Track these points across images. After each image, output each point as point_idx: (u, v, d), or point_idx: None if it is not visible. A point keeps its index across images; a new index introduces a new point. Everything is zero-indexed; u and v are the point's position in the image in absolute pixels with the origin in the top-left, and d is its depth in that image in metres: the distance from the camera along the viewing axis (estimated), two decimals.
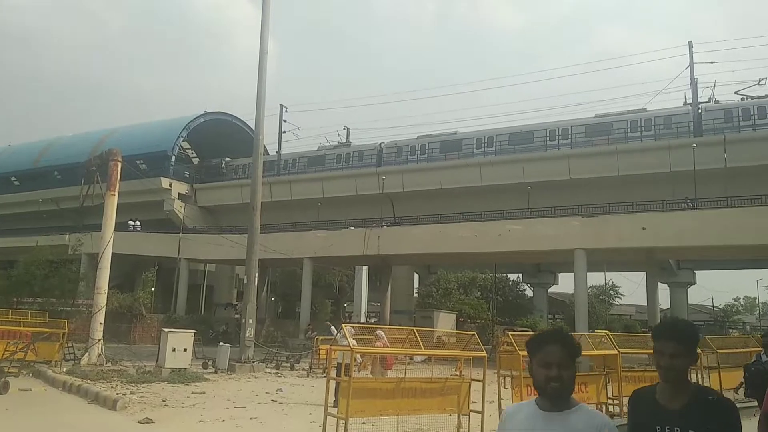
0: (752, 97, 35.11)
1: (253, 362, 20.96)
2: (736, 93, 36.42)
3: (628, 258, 37.16)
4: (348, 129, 54.64)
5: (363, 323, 34.00)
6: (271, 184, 44.53)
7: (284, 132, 51.16)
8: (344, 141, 53.26)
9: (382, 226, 35.64)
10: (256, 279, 22.62)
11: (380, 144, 45.02)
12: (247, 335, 21.42)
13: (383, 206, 39.20)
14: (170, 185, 47.13)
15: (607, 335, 11.73)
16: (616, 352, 11.48)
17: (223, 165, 51.87)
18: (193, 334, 18.75)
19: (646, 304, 45.03)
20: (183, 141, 52.46)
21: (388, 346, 11.52)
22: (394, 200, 41.00)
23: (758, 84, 35.69)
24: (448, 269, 46.69)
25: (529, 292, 51.98)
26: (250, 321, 21.76)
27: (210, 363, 20.14)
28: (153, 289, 43.38)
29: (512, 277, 51.41)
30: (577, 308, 29.98)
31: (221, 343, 21.05)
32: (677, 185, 33.01)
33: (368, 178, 42.05)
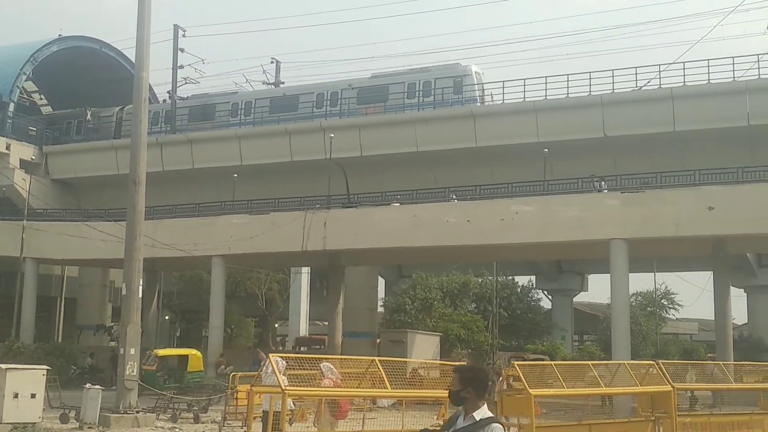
0: None
1: (138, 412, 20.74)
2: None
3: (689, 252, 37.91)
4: (278, 63, 54.25)
5: (300, 353, 34.04)
6: (162, 144, 43.83)
7: (181, 67, 50.37)
8: (271, 81, 52.83)
9: (329, 208, 35.55)
10: (141, 289, 22.33)
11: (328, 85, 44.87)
12: (127, 372, 21.20)
13: (332, 179, 39.06)
14: (8, 147, 46.05)
15: (657, 365, 11.97)
16: (670, 388, 11.74)
17: (89, 117, 50.90)
18: (45, 371, 18.49)
19: (713, 317, 46.20)
20: (27, 81, 51.13)
21: (339, 386, 11.54)
22: (348, 169, 40.85)
23: None
24: (429, 271, 46.98)
25: (546, 303, 52.76)
26: (132, 351, 21.52)
27: (72, 414, 19.88)
28: None
29: (522, 281, 52.11)
30: (614, 324, 30.49)
31: (89, 385, 20.81)
32: (759, 146, 33.71)
33: (309, 135, 41.76)
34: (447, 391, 10.18)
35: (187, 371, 30.27)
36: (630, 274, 30.64)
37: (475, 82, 40.62)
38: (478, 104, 39.81)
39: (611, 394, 14.87)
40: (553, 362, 14.52)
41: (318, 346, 46.36)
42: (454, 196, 33.84)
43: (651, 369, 12.21)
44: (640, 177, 32.58)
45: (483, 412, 5.18)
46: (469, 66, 41.49)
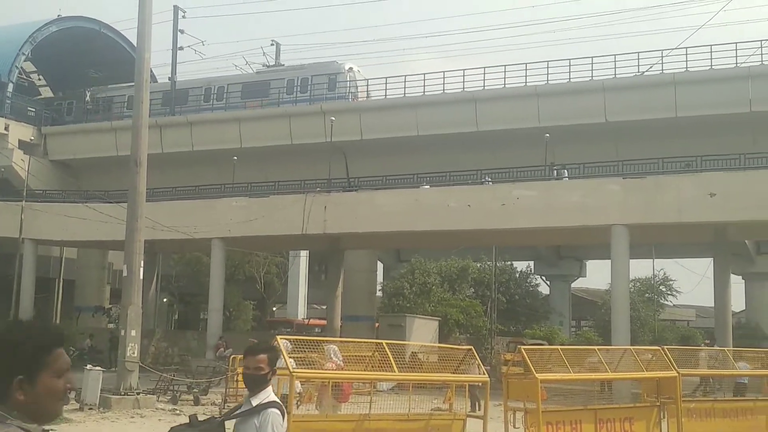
0: None
1: (139, 394, 20.80)
2: None
3: (689, 238, 37.94)
4: (278, 45, 54.04)
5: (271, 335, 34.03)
6: (161, 127, 43.70)
7: (181, 49, 50.23)
8: (271, 64, 52.59)
9: (329, 192, 35.49)
10: (141, 270, 22.31)
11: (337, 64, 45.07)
12: (128, 354, 21.21)
13: (333, 162, 38.99)
14: (6, 128, 45.92)
15: (662, 351, 11.96)
16: (676, 373, 11.72)
17: (88, 98, 50.75)
18: None
19: (712, 304, 46.35)
20: (25, 61, 50.93)
21: (343, 369, 11.52)
22: (349, 153, 40.81)
23: None
24: (428, 255, 47.03)
25: (544, 288, 52.89)
26: (133, 333, 21.52)
27: (72, 396, 19.85)
28: None
29: (520, 266, 52.21)
30: (614, 310, 30.59)
31: (89, 366, 20.88)
32: (760, 132, 33.68)
33: (309, 118, 41.71)
34: (453, 375, 10.13)
35: None
36: (630, 260, 30.71)
37: (348, 80, 43.48)
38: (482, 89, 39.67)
39: (618, 379, 14.88)
40: (559, 347, 14.49)
41: (288, 329, 46.52)
42: (489, 178, 33.95)
43: (655, 356, 12.19)
44: (641, 163, 32.59)
45: (266, 395, 4.94)
46: (343, 64, 44.89)
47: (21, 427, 2.45)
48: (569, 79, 38.04)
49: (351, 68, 44.55)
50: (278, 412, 4.86)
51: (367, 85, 44.43)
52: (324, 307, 52.24)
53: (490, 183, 33.61)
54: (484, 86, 39.75)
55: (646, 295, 51.38)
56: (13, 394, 2.46)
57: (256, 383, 4.93)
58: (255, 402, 4.88)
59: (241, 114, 44.28)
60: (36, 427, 2.49)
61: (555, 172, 33.51)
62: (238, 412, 5.06)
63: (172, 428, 5.03)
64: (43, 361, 2.54)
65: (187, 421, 4.99)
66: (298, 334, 36.84)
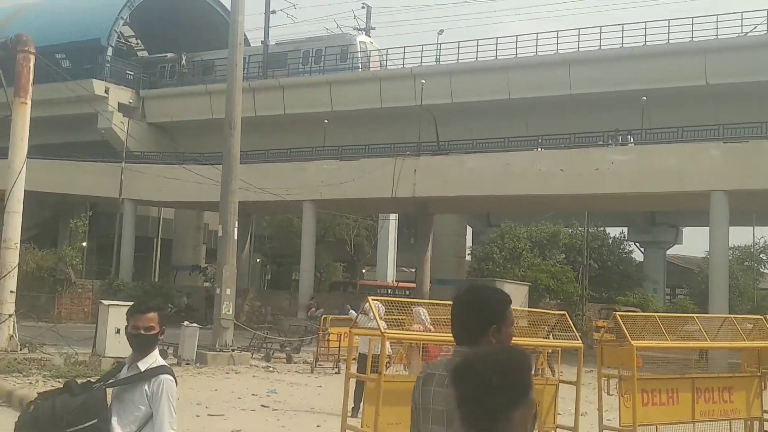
0: None
1: (233, 351, 21.24)
2: None
3: None
4: (368, 8, 53.97)
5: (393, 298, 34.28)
6: (254, 90, 44.22)
7: (273, 12, 50.78)
8: (362, 27, 52.58)
9: (419, 156, 35.41)
10: (236, 231, 22.72)
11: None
12: (223, 312, 21.67)
13: (422, 126, 38.86)
14: (106, 91, 47.25)
15: (764, 320, 11.54)
16: None
17: (183, 62, 51.71)
18: None
19: None
20: (124, 25, 52.18)
21: (432, 331, 11.49)
22: (439, 117, 40.57)
23: None
24: (517, 220, 46.56)
25: (638, 255, 51.78)
26: (228, 291, 21.97)
27: (170, 351, 20.45)
28: (85, 243, 43.93)
29: (613, 232, 51.23)
30: (712, 279, 29.89)
31: (186, 323, 21.32)
32: None
33: (399, 81, 41.63)
34: (546, 340, 10.01)
35: None
36: (729, 227, 29.81)
37: (359, 50, 45.46)
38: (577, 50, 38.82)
39: (717, 348, 14.47)
40: (655, 314, 14.16)
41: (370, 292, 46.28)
42: (614, 141, 33.43)
43: (758, 324, 11.77)
44: (742, 127, 31.43)
45: (154, 358, 4.46)
46: (355, 36, 47.70)
47: None
48: (668, 40, 36.85)
49: (363, 41, 46.91)
50: (171, 378, 4.42)
51: (381, 56, 46.20)
52: (413, 270, 52.45)
53: (614, 145, 33.01)
54: (578, 48, 38.88)
55: (746, 263, 49.94)
56: (487, 339, 3.16)
57: (144, 344, 4.43)
58: (143, 366, 4.39)
59: (332, 77, 44.49)
60: None
61: (620, 138, 32.94)
62: (123, 377, 4.47)
63: (42, 394, 4.53)
64: (506, 314, 3.27)
65: (63, 386, 4.41)
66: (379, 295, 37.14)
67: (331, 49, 45.78)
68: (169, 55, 52.58)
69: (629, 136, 32.91)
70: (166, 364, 4.52)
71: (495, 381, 2.47)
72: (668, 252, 53.70)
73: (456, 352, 3.29)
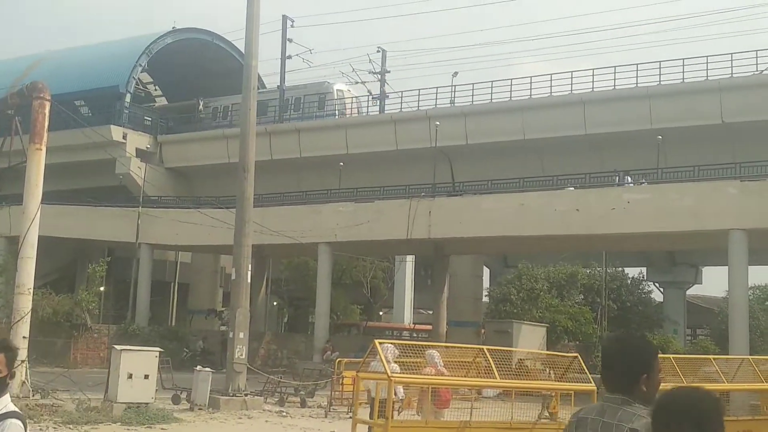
0: None
1: (247, 395, 21.08)
2: None
3: None
4: (384, 52, 54.35)
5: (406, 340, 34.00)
6: (270, 134, 44.57)
7: (289, 57, 51.12)
8: (377, 70, 52.94)
9: (434, 197, 35.36)
10: (249, 274, 22.66)
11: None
12: (236, 356, 21.57)
13: (437, 167, 38.90)
14: (124, 137, 47.70)
15: None
16: None
17: (200, 107, 52.23)
18: (158, 354, 18.91)
19: None
20: (142, 72, 52.89)
21: (444, 374, 11.32)
22: (454, 157, 40.60)
23: None
24: (535, 261, 46.24)
25: (657, 296, 51.14)
26: (242, 335, 21.88)
27: (183, 396, 20.37)
28: (102, 288, 44.01)
29: (632, 272, 50.70)
30: (731, 319, 29.42)
31: (199, 368, 21.28)
32: None
33: (414, 124, 41.78)
34: (557, 383, 9.82)
35: None
36: (749, 267, 29.42)
37: (336, 98, 46.99)
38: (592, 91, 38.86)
39: (736, 390, 14.19)
40: (671, 356, 13.92)
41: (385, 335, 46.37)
42: (629, 179, 33.65)
43: None
44: (759, 165, 31.21)
45: (4, 403, 4.15)
46: (332, 84, 48.74)
47: (644, 407, 3.26)
48: (683, 79, 36.84)
49: (340, 89, 48.32)
50: (20, 423, 4.09)
51: (358, 104, 48.49)
52: (430, 312, 52.10)
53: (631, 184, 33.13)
54: (593, 88, 38.93)
55: (767, 303, 49.13)
56: (639, 387, 3.33)
57: None
58: None
59: (348, 120, 44.82)
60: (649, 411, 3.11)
61: (617, 178, 33.12)
62: None
63: None
64: (654, 363, 3.45)
65: None
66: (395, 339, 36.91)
67: (309, 96, 47.68)
68: (187, 101, 53.18)
69: (641, 176, 32.84)
70: (16, 409, 4.20)
71: (713, 422, 2.84)
72: (688, 292, 53.07)
73: (607, 398, 3.47)
